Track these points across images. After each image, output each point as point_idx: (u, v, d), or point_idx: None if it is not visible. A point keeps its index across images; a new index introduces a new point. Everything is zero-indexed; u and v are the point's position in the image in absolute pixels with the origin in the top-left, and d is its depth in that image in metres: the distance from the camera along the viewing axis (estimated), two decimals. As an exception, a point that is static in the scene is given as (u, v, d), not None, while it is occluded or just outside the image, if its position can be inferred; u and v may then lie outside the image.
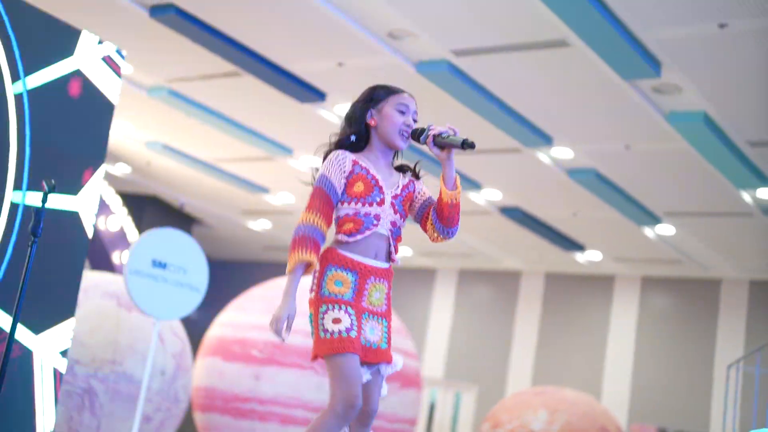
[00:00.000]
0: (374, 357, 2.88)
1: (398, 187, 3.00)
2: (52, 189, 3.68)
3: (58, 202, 4.92)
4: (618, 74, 6.64)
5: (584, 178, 9.17)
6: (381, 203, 2.93)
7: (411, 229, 3.40)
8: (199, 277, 6.59)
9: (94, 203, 5.14)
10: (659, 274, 13.12)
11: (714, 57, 6.33)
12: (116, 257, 11.31)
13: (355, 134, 3.01)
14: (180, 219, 13.92)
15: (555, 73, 7.05)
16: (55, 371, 4.95)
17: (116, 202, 11.41)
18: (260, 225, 14.36)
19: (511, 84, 7.35)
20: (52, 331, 4.94)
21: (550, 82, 7.23)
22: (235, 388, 7.48)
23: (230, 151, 10.55)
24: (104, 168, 6.04)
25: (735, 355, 11.55)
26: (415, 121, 3.02)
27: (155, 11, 6.82)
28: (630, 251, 12.17)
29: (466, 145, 2.87)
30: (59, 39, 5.00)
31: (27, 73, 4.80)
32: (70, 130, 5.04)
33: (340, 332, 2.77)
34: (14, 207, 4.69)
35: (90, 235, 5.10)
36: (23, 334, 4.76)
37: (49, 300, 4.90)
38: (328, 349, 2.77)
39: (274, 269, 12.85)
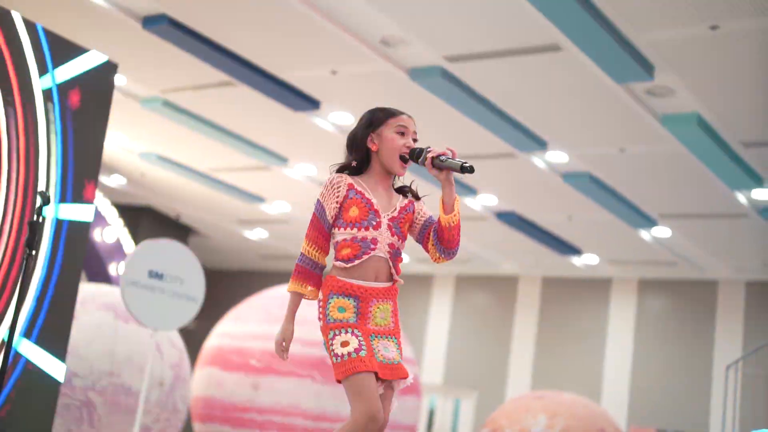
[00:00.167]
0: (391, 374, 2.91)
1: (396, 209, 3.01)
2: (47, 202, 3.67)
3: (53, 213, 4.91)
4: (611, 77, 6.65)
5: (579, 181, 9.18)
6: (377, 227, 2.95)
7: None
8: (196, 287, 6.57)
9: (89, 214, 5.14)
10: (656, 276, 13.13)
11: (706, 59, 6.34)
12: (113, 269, 11.29)
13: (357, 160, 3.03)
14: (176, 229, 13.91)
15: (548, 78, 7.06)
16: (54, 381, 4.93)
17: (112, 214, 11.39)
18: (256, 234, 14.35)
19: (505, 89, 7.36)
20: (49, 342, 4.93)
21: (543, 86, 7.24)
22: (233, 397, 7.47)
23: (225, 161, 10.54)
24: (99, 179, 6.02)
25: (733, 356, 11.54)
26: (415, 140, 3.03)
27: (148, 22, 6.82)
28: (626, 254, 12.18)
29: (465, 169, 2.87)
30: (54, 51, 5.00)
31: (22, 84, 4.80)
32: (67, 142, 5.04)
33: (349, 354, 2.82)
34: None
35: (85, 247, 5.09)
36: (22, 346, 4.75)
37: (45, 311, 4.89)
38: (342, 372, 2.83)
39: (271, 278, 12.86)
